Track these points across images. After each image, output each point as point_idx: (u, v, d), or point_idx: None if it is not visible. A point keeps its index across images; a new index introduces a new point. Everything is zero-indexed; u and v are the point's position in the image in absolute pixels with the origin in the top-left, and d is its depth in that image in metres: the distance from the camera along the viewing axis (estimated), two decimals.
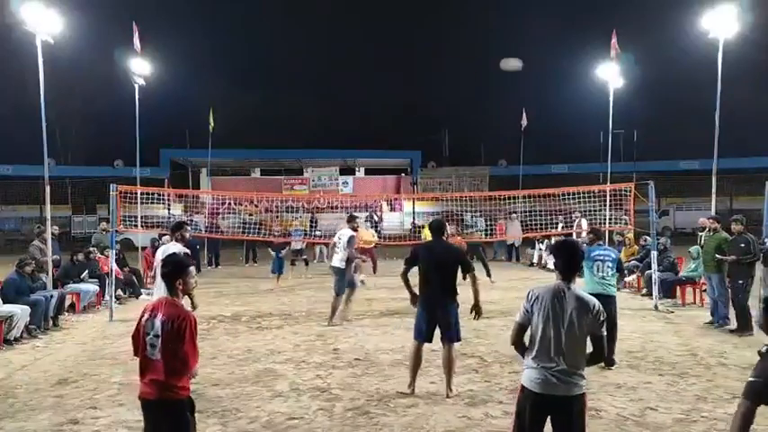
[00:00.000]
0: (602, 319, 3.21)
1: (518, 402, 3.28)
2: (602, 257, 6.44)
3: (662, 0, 43.98)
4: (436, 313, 5.41)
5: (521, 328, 3.31)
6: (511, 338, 3.39)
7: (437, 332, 5.50)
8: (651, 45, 37.93)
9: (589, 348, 3.25)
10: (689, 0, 19.36)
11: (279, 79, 56.39)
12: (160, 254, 6.29)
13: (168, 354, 3.15)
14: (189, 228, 7.05)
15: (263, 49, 57.26)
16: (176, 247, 6.19)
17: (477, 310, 5.48)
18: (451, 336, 5.42)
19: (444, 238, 5.89)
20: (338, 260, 8.90)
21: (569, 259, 3.35)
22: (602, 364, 6.00)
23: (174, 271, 3.35)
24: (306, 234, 16.63)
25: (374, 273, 14.68)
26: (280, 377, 6.07)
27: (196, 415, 3.47)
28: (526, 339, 3.32)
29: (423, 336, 5.47)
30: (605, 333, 3.28)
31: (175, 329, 3.15)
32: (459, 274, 5.56)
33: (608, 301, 5.97)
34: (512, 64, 14.32)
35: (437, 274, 5.40)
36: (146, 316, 3.27)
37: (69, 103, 37.89)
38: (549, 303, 3.20)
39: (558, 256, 3.40)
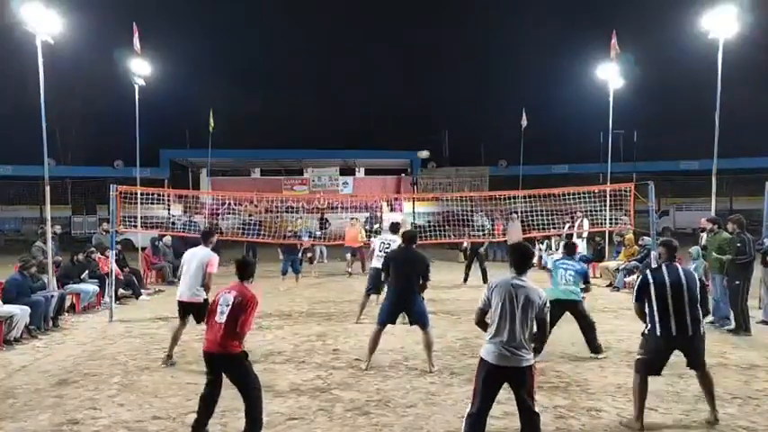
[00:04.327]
0: (547, 306, 3.97)
1: (477, 371, 4.03)
2: (564, 267, 7.13)
3: (662, 0, 44.03)
4: (403, 305, 6.46)
5: (481, 312, 4.13)
6: (474, 320, 4.26)
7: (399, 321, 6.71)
8: (651, 45, 37.94)
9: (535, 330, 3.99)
10: (689, 0, 19.37)
11: (279, 79, 56.37)
12: (189, 256, 6.95)
13: (230, 321, 4.36)
14: (216, 235, 7.87)
15: (263, 49, 57.31)
16: (203, 251, 6.83)
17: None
18: (424, 322, 6.39)
19: (414, 247, 6.72)
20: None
21: (521, 259, 4.11)
22: (594, 354, 6.99)
23: (250, 267, 4.72)
24: (311, 234, 16.72)
25: (363, 271, 14.80)
26: (280, 377, 6.08)
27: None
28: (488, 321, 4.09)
29: (384, 321, 6.46)
30: (549, 318, 4.07)
31: (243, 305, 4.41)
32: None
33: (574, 305, 7.00)
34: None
35: (404, 275, 6.42)
36: (222, 292, 4.53)
37: (69, 103, 37.86)
38: (504, 292, 3.94)
39: (513, 255, 4.18)
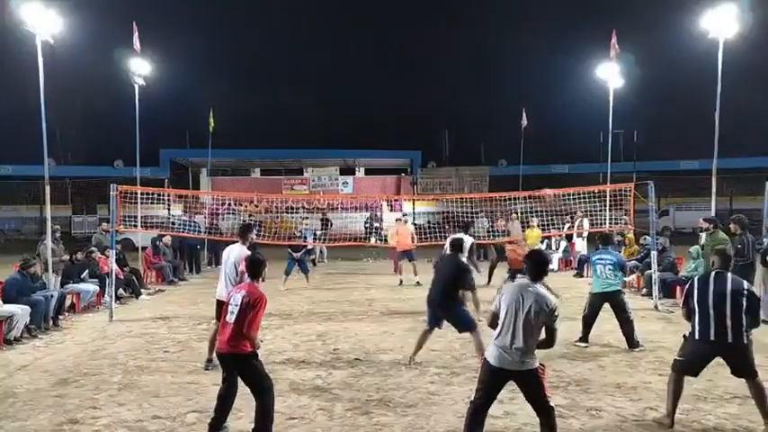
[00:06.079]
0: (555, 314, 3.97)
1: (480, 371, 4.11)
2: (602, 262, 7.37)
3: (662, 0, 44.07)
4: (439, 311, 6.46)
5: (494, 315, 4.12)
6: (487, 322, 4.24)
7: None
8: (651, 45, 37.98)
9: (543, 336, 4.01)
10: (689, 0, 19.37)
11: (279, 79, 56.41)
12: (226, 254, 6.53)
13: (239, 321, 4.34)
14: (254, 231, 7.37)
15: (263, 49, 57.36)
16: (238, 248, 6.39)
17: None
18: (461, 327, 6.38)
19: (459, 255, 6.74)
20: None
21: (537, 266, 4.18)
22: (630, 347, 7.12)
23: (260, 265, 4.70)
24: (315, 236, 16.40)
25: (415, 275, 13.03)
26: (280, 377, 6.07)
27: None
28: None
29: (429, 324, 6.57)
30: (558, 327, 4.04)
31: (251, 304, 4.35)
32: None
33: (613, 296, 7.27)
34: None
35: (436, 283, 6.58)
36: (233, 291, 4.56)
37: (69, 103, 37.93)
38: (513, 297, 3.99)
39: (528, 262, 4.26)
